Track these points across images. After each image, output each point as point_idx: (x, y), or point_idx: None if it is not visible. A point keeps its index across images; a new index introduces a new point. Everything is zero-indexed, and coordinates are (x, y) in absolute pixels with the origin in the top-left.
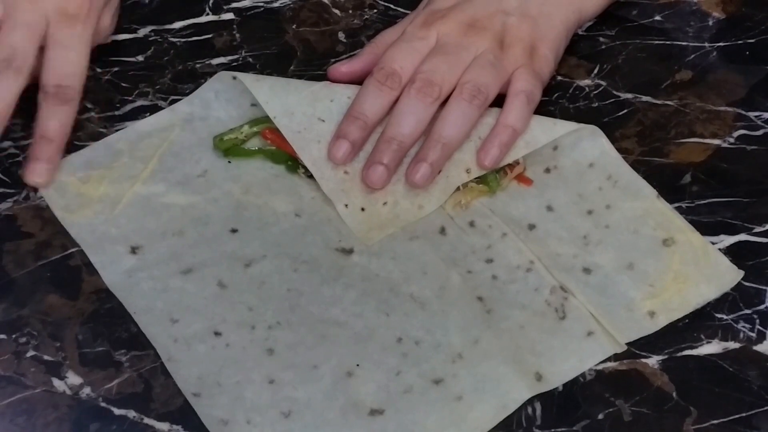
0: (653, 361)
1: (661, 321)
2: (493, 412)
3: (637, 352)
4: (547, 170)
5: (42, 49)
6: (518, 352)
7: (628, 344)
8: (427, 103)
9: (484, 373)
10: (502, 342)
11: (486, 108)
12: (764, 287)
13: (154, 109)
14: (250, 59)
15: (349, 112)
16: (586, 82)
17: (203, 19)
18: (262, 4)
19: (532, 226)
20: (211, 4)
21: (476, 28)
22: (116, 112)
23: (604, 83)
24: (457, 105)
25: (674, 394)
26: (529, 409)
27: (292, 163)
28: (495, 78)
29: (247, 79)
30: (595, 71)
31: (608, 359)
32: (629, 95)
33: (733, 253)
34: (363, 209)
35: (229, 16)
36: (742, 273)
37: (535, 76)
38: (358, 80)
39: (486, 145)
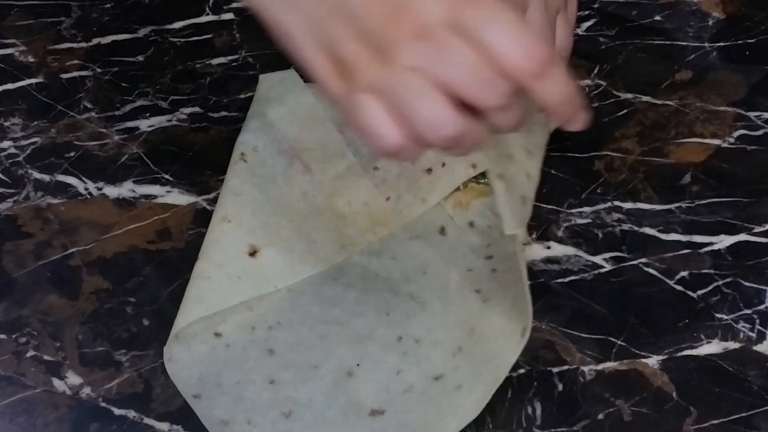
0: (653, 361)
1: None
2: (488, 388)
3: (637, 352)
4: None
5: None
6: (509, 323)
7: (627, 344)
8: None
9: (480, 357)
10: (494, 323)
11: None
12: (764, 287)
13: (154, 109)
14: (250, 59)
15: None
16: (586, 82)
17: (203, 19)
18: None
19: None
20: (211, 4)
21: None
22: (116, 112)
23: (604, 83)
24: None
25: (674, 394)
26: (529, 409)
27: None
28: None
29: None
30: (595, 71)
31: (608, 359)
32: (629, 95)
33: (733, 253)
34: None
35: (229, 16)
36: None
37: None
38: None
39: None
